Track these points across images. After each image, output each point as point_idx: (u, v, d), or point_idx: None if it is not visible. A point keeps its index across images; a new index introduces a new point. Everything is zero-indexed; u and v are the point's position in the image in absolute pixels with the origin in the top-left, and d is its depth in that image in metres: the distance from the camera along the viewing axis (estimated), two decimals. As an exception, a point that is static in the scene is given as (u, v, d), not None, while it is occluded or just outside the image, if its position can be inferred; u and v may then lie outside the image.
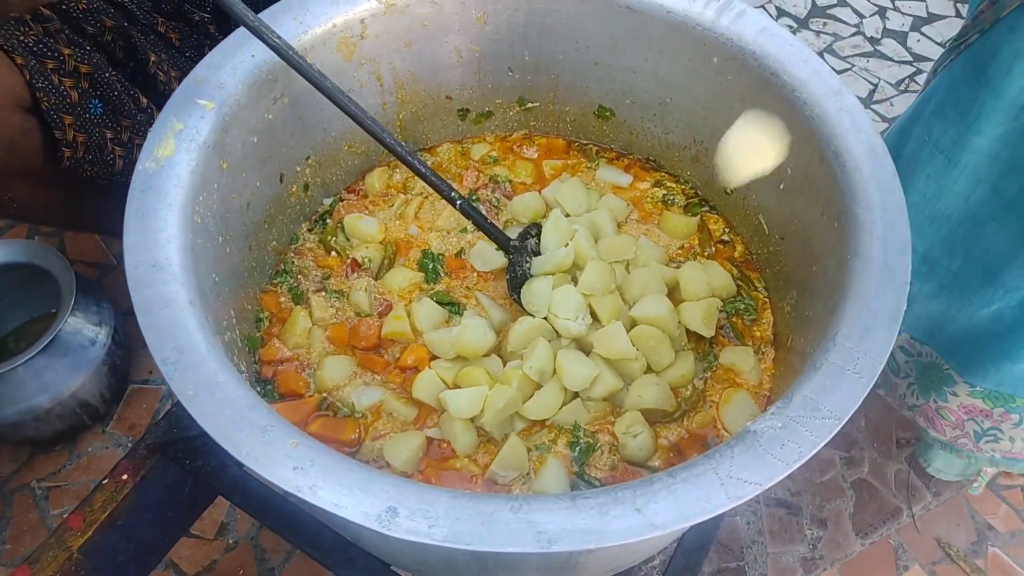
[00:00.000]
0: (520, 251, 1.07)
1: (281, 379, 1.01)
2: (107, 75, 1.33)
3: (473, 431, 0.95)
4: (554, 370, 0.95)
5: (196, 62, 0.93)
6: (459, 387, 0.97)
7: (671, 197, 1.18)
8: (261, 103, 0.97)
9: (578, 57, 1.15)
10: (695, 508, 0.65)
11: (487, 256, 1.10)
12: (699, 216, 1.16)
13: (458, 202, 1.02)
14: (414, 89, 1.17)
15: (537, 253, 1.06)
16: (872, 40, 2.45)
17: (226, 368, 0.72)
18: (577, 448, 0.94)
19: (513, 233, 1.10)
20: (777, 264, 1.05)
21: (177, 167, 0.85)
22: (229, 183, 0.94)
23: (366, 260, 1.10)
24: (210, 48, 0.95)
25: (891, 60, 2.41)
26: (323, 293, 1.07)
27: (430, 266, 1.10)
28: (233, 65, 0.94)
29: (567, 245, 1.03)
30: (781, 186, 1.01)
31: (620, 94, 1.17)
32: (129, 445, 1.59)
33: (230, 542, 1.50)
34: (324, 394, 0.99)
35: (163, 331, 0.72)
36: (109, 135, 1.35)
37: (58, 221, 1.63)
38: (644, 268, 1.03)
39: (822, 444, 0.68)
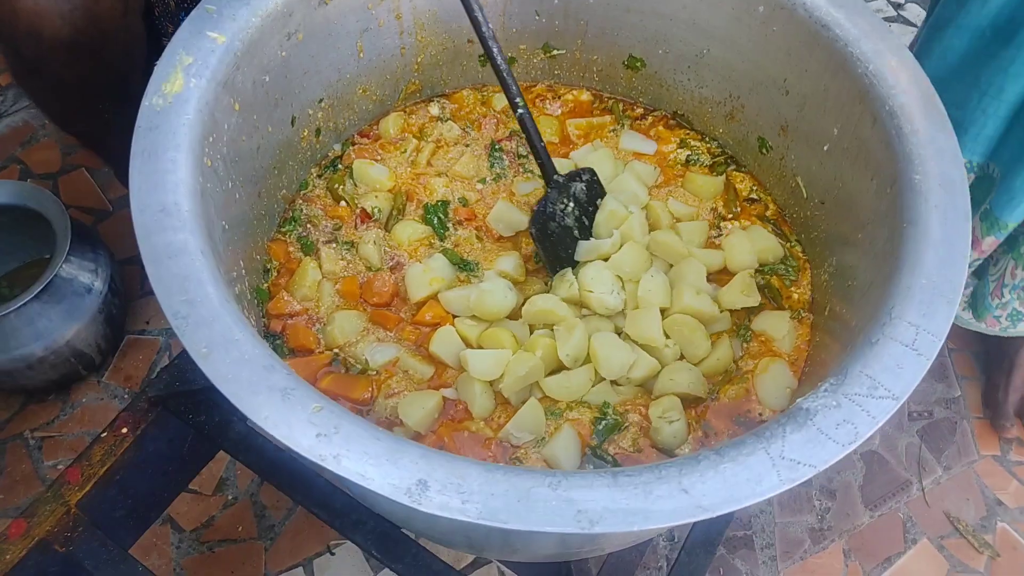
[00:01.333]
0: (561, 189, 0.99)
1: (291, 334, 0.96)
2: None
3: (492, 394, 0.91)
4: (587, 355, 0.91)
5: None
6: (482, 347, 0.92)
7: (696, 157, 1.12)
8: (275, 39, 0.90)
9: (610, 2, 1.08)
10: (745, 490, 0.61)
11: (509, 219, 1.04)
12: (724, 175, 1.10)
13: (519, 111, 0.95)
14: (434, 31, 1.10)
15: (580, 201, 1.00)
16: (895, 5, 2.37)
17: (241, 324, 0.67)
18: (603, 423, 0.90)
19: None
20: (815, 229, 1.00)
21: (186, 105, 0.78)
22: (240, 124, 0.87)
23: (375, 210, 1.04)
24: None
25: (915, 25, 2.33)
26: (333, 244, 1.02)
27: (435, 220, 1.04)
28: (247, -5, 0.87)
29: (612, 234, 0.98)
30: (825, 147, 0.95)
31: (653, 43, 1.10)
32: (125, 397, 1.55)
33: (229, 498, 1.46)
34: (336, 350, 0.95)
35: (173, 282, 0.67)
36: None
37: (105, 139, 1.53)
38: (686, 260, 0.97)
39: (880, 425, 0.64)
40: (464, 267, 1.01)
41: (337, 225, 1.04)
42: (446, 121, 1.14)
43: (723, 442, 0.65)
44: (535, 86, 1.20)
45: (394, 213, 1.05)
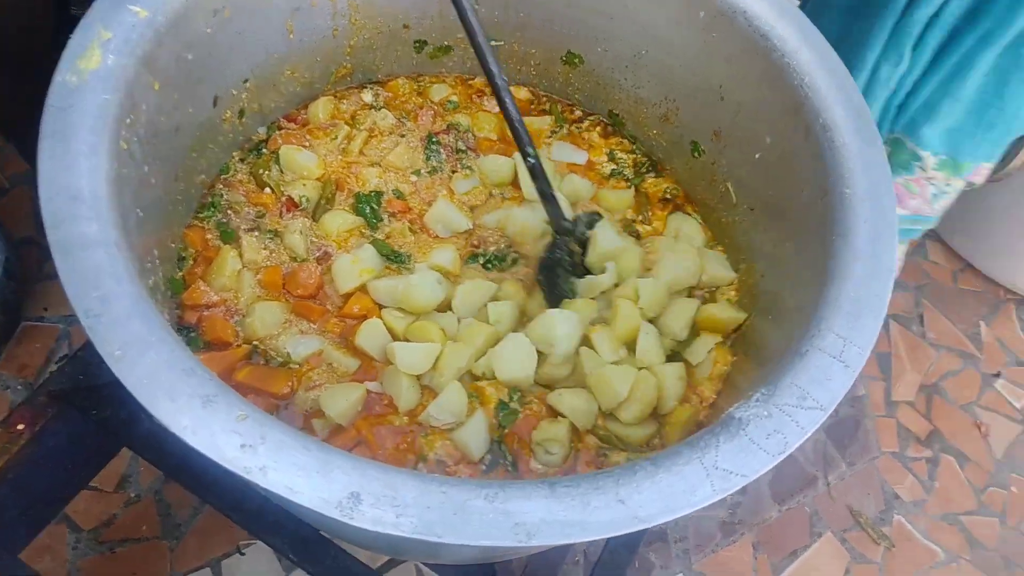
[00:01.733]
0: (570, 234, 0.98)
1: (207, 326, 0.91)
2: None
3: (418, 388, 0.89)
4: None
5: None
6: (409, 340, 0.90)
7: (619, 170, 1.12)
8: (200, 14, 0.84)
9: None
10: (680, 500, 0.61)
11: (448, 221, 1.02)
12: (633, 187, 1.10)
13: (530, 160, 0.92)
14: (369, 14, 1.06)
15: (582, 242, 0.99)
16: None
17: (158, 323, 0.62)
18: (504, 410, 0.89)
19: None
20: (743, 235, 1.01)
21: (103, 83, 0.72)
22: (159, 104, 0.82)
23: (303, 199, 1.00)
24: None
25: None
26: (256, 233, 0.97)
27: (367, 210, 1.01)
28: (169, -34, 0.81)
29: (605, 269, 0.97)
30: (757, 155, 0.97)
31: (592, 40, 1.09)
32: (19, 387, 1.44)
33: (131, 495, 1.39)
34: (255, 343, 0.90)
35: (85, 277, 0.62)
36: None
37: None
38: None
39: (809, 435, 0.66)
40: (395, 259, 0.98)
41: (260, 213, 0.99)
42: (380, 109, 1.10)
43: (660, 452, 0.65)
44: (473, 79, 1.17)
45: (322, 202, 1.01)
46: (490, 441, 0.88)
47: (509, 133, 0.92)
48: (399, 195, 1.04)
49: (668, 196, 1.11)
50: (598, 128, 1.17)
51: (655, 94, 1.09)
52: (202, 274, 0.93)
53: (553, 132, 1.15)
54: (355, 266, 0.94)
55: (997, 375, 1.89)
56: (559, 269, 0.98)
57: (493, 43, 1.12)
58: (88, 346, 1.04)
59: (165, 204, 0.88)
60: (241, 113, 1.00)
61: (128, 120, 0.74)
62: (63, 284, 0.61)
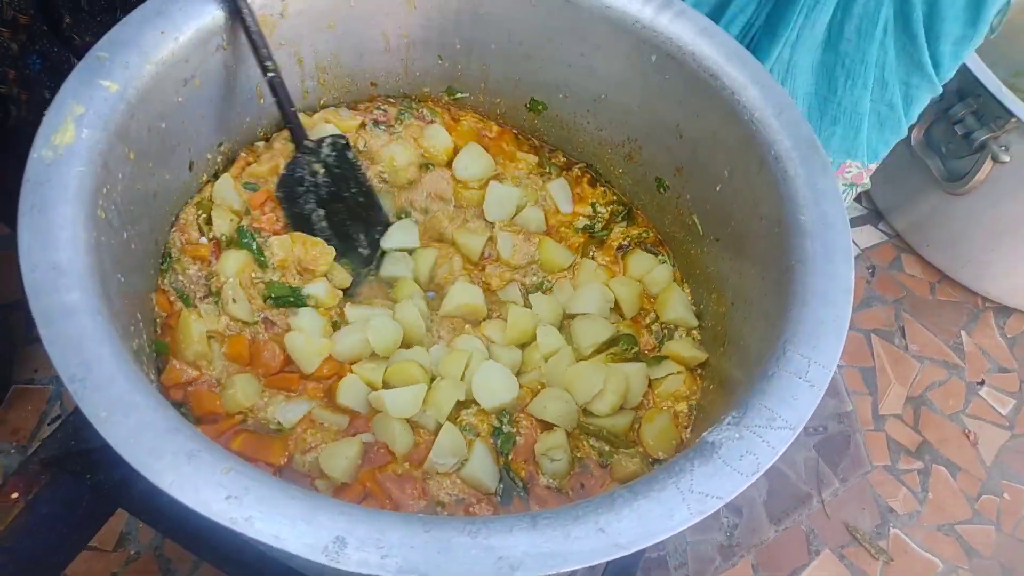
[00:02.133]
0: (310, 153, 1.02)
1: (194, 402, 0.89)
2: (43, 29, 1.18)
3: (410, 430, 0.90)
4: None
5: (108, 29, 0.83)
6: (391, 385, 0.92)
7: (592, 226, 1.15)
8: (170, 85, 0.88)
9: (511, 48, 1.10)
10: (659, 525, 0.63)
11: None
12: (584, 237, 1.14)
13: (270, 75, 0.96)
14: (337, 74, 1.10)
15: (332, 168, 1.03)
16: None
17: (141, 385, 0.64)
18: (500, 437, 0.92)
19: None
20: (712, 265, 1.04)
21: (78, 156, 0.75)
22: (134, 172, 0.84)
23: (223, 237, 0.98)
24: (124, 15, 0.85)
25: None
26: (209, 299, 0.95)
27: (249, 242, 0.98)
28: (140, 42, 0.84)
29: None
30: (718, 188, 1.00)
31: (553, 87, 1.13)
32: (12, 451, 1.45)
33: (132, 553, 1.39)
34: (243, 413, 0.91)
35: (68, 344, 0.64)
36: (47, 95, 1.20)
37: None
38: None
39: (779, 454, 0.68)
40: (296, 299, 0.97)
41: (209, 274, 0.97)
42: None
43: (637, 480, 0.67)
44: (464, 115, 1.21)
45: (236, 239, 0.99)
46: (497, 470, 0.90)
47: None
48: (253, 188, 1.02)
49: (626, 243, 1.14)
50: (586, 178, 1.20)
51: (617, 135, 1.13)
52: (172, 350, 0.91)
53: (544, 173, 1.18)
54: (309, 346, 0.93)
55: (981, 383, 1.92)
56: (299, 188, 1.02)
57: (459, 95, 1.17)
58: (78, 411, 1.05)
59: (146, 267, 0.91)
60: (216, 176, 1.03)
61: (105, 190, 0.77)
62: (48, 351, 0.63)
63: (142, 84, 0.83)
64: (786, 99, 0.92)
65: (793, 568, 1.57)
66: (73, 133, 0.76)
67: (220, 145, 1.01)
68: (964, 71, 1.79)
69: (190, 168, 0.97)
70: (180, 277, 0.96)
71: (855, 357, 1.90)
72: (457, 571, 0.58)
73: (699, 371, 1.01)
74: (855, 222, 2.19)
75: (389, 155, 1.09)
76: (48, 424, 1.49)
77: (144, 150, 0.86)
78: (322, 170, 1.02)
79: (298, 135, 1.01)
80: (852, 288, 0.79)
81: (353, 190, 1.05)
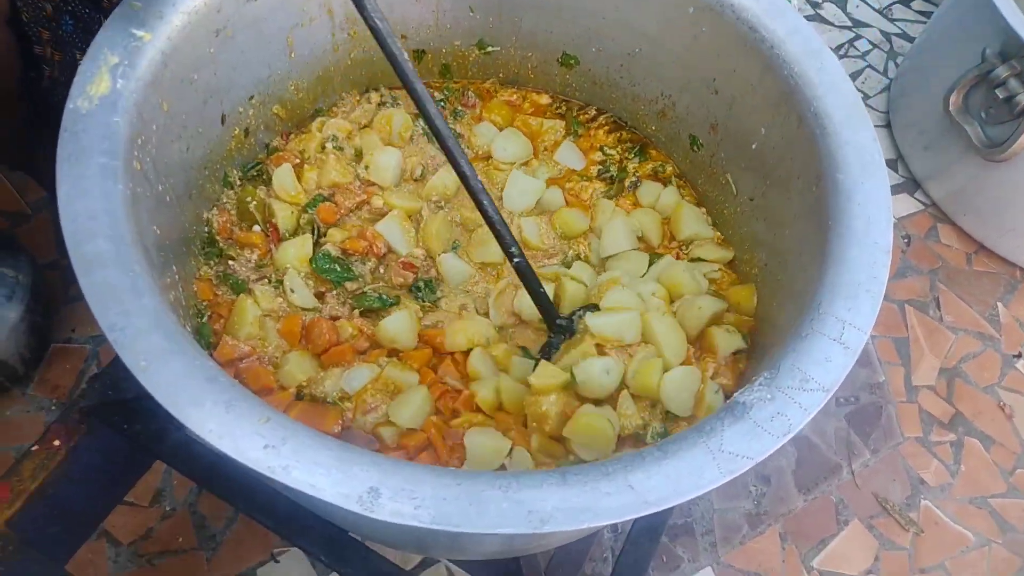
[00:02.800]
0: (564, 332, 0.94)
1: (247, 377, 0.90)
2: None
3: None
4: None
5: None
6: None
7: (606, 169, 1.14)
8: (203, 35, 0.88)
9: (543, 1, 1.09)
10: (688, 483, 0.63)
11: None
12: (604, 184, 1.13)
13: (516, 260, 0.88)
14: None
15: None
16: (814, 4, 2.45)
17: (180, 335, 0.65)
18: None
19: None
20: (745, 225, 1.03)
21: (113, 106, 0.75)
22: (168, 124, 0.85)
23: (286, 232, 0.99)
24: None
25: (832, 24, 2.42)
26: (264, 282, 0.96)
27: (330, 267, 0.97)
28: (173, -8, 0.84)
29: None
30: (754, 146, 0.98)
31: (586, 41, 1.11)
32: (53, 408, 1.48)
33: (167, 509, 1.42)
34: (299, 387, 0.91)
35: (107, 293, 0.65)
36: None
37: (10, 156, 1.44)
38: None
39: (811, 416, 0.67)
40: (382, 304, 0.97)
41: (261, 262, 0.98)
42: (396, 105, 1.12)
43: (667, 439, 0.66)
44: (484, 82, 1.20)
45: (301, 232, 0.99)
46: None
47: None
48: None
49: (636, 178, 1.13)
50: (605, 127, 1.19)
51: (651, 91, 1.11)
52: (225, 327, 0.93)
53: (563, 136, 1.17)
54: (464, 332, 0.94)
55: (1018, 356, 1.88)
56: None
57: (490, 49, 1.15)
58: (115, 362, 1.07)
59: (181, 221, 0.91)
60: (247, 132, 1.03)
61: (140, 140, 0.77)
62: (87, 301, 0.64)
63: (175, 34, 0.83)
64: (828, 54, 0.90)
65: (821, 538, 1.56)
66: (108, 83, 0.77)
67: (251, 98, 1.01)
68: (1008, 31, 1.72)
69: (222, 121, 0.97)
70: (232, 263, 0.97)
71: (888, 328, 1.87)
72: (488, 523, 0.59)
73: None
74: (891, 190, 2.14)
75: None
76: (86, 382, 1.52)
77: (177, 101, 0.86)
78: None
79: (551, 316, 0.94)
80: (890, 250, 0.77)
81: None
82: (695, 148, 1.09)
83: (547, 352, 0.93)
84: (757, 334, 0.94)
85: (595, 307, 0.95)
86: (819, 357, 0.71)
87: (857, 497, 1.60)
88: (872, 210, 0.80)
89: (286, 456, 0.59)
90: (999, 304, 1.96)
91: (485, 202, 0.84)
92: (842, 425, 1.68)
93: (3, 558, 0.90)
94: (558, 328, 0.93)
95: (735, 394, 0.70)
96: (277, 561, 1.39)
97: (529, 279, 0.89)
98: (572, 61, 1.15)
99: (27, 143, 1.23)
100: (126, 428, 1.00)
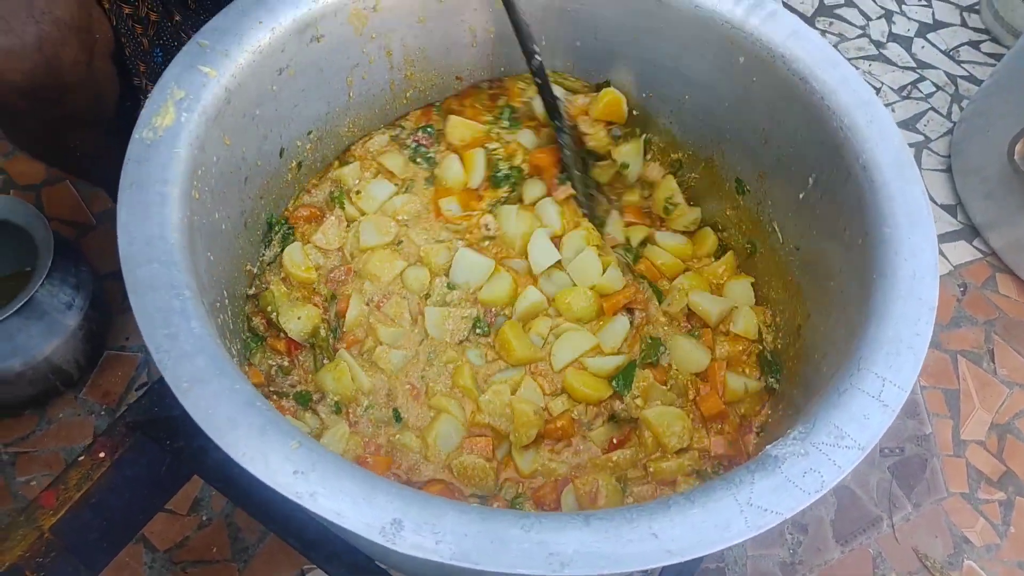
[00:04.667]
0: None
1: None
2: (168, 24, 1.26)
3: None
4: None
5: (205, 25, 0.88)
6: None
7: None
8: (266, 74, 0.91)
9: (596, 45, 1.10)
10: (713, 536, 0.62)
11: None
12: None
13: (536, 59, 1.04)
14: (424, 68, 1.11)
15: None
16: (877, 44, 2.42)
17: (222, 359, 0.68)
18: None
19: None
20: (789, 274, 1.02)
21: (176, 138, 0.79)
22: (228, 156, 0.89)
23: (306, 340, 0.97)
24: (220, 10, 0.89)
25: (895, 65, 2.38)
26: (301, 408, 0.95)
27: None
28: (239, 31, 0.88)
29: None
30: (801, 196, 0.98)
31: (638, 87, 1.12)
32: (102, 413, 1.54)
33: (204, 519, 1.46)
34: None
35: (156, 316, 0.68)
36: None
37: (109, 177, 1.53)
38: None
39: (845, 474, 0.66)
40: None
41: (287, 369, 0.97)
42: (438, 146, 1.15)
43: (695, 488, 0.66)
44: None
45: (325, 342, 0.97)
46: None
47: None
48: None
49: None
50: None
51: (700, 138, 1.11)
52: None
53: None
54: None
55: (1077, 415, 1.81)
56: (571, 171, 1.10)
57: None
58: (163, 379, 1.11)
59: (235, 248, 0.95)
60: (300, 165, 1.06)
61: (200, 172, 0.81)
62: (137, 322, 0.67)
63: (239, 71, 0.87)
64: (879, 106, 0.89)
65: (858, 591, 1.52)
66: (173, 116, 0.81)
67: (310, 133, 1.05)
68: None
69: (280, 154, 1.01)
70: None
71: (939, 379, 1.82)
72: (509, 562, 0.59)
73: (768, 394, 0.99)
74: (948, 237, 2.09)
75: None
76: (135, 390, 1.57)
77: (239, 135, 0.90)
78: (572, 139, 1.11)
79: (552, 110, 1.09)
80: (935, 307, 0.76)
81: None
82: (740, 193, 1.09)
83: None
84: (794, 387, 0.93)
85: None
86: (856, 414, 0.70)
87: (896, 552, 1.56)
88: (918, 265, 0.79)
89: (314, 483, 0.61)
90: (1059, 360, 1.90)
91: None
92: (885, 476, 1.63)
93: (45, 564, 0.93)
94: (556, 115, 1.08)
95: (767, 447, 0.69)
96: (307, 578, 1.42)
97: (546, 82, 1.07)
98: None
99: (115, 162, 1.31)
100: (169, 444, 1.03)
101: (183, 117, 0.81)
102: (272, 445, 0.63)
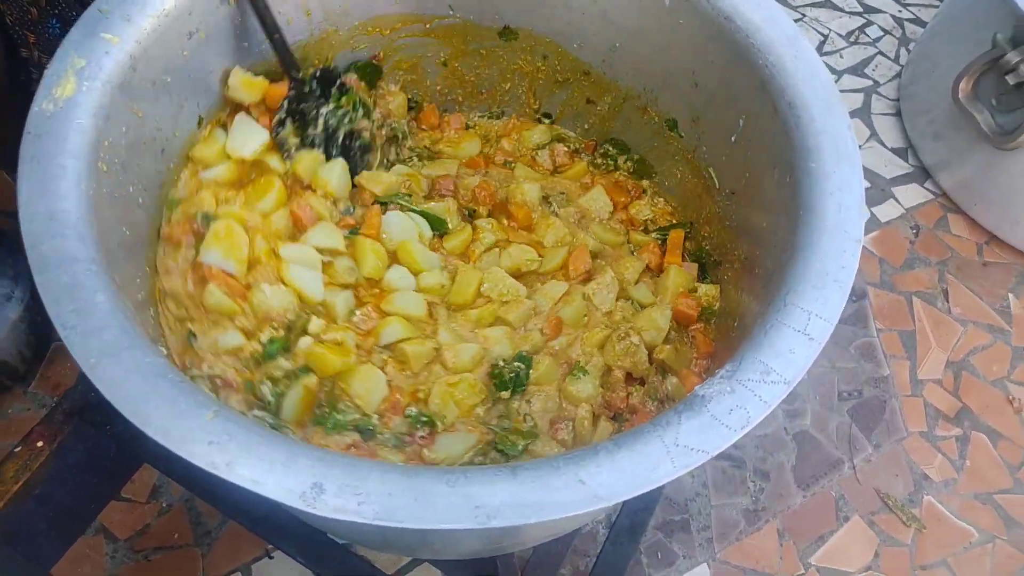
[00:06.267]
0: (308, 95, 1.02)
1: None
2: None
3: None
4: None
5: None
6: None
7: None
8: (174, 38, 0.88)
9: (524, -3, 1.08)
10: (641, 478, 0.62)
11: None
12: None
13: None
14: (346, 25, 1.08)
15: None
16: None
17: (132, 332, 0.65)
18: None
19: None
20: (727, 219, 1.01)
21: (77, 108, 0.76)
22: (139, 126, 0.85)
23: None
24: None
25: (842, 11, 2.38)
26: None
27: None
28: (142, -5, 0.84)
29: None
30: (732, 138, 0.97)
31: (568, 37, 1.10)
32: (53, 405, 1.51)
33: (163, 505, 1.44)
34: None
35: (62, 292, 0.65)
36: None
37: (9, 156, 1.47)
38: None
39: (771, 409, 0.66)
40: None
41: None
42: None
43: (622, 433, 0.65)
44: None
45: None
46: None
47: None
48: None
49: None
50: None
51: (634, 85, 1.10)
52: None
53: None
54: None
55: (1031, 348, 1.84)
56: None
57: (472, 47, 1.15)
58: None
59: (155, 221, 0.91)
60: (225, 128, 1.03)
61: (107, 143, 0.78)
62: (42, 299, 0.65)
63: (144, 37, 0.84)
64: (804, 43, 0.88)
65: (820, 534, 1.54)
66: (74, 86, 0.77)
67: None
68: (1020, 16, 1.68)
69: (199, 124, 0.98)
70: None
71: (895, 320, 1.84)
72: (434, 519, 0.58)
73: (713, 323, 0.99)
74: (900, 180, 2.10)
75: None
76: (82, 379, 1.54)
77: (149, 104, 0.86)
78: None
79: (289, 65, 1.00)
80: (860, 239, 0.75)
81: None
82: (675, 133, 1.08)
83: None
84: (731, 332, 0.92)
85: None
86: (782, 349, 0.69)
87: (858, 493, 1.58)
88: (844, 198, 0.79)
89: (231, 452, 0.59)
90: (1010, 295, 1.92)
91: None
92: (845, 420, 1.65)
93: (-17, 557, 0.91)
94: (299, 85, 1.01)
95: (695, 387, 0.69)
96: (271, 557, 1.40)
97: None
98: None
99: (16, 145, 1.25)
100: (108, 429, 1.01)
101: (84, 86, 0.77)
102: (186, 415, 0.61)
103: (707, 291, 1.02)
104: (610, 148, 1.18)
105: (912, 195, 2.08)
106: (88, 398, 1.02)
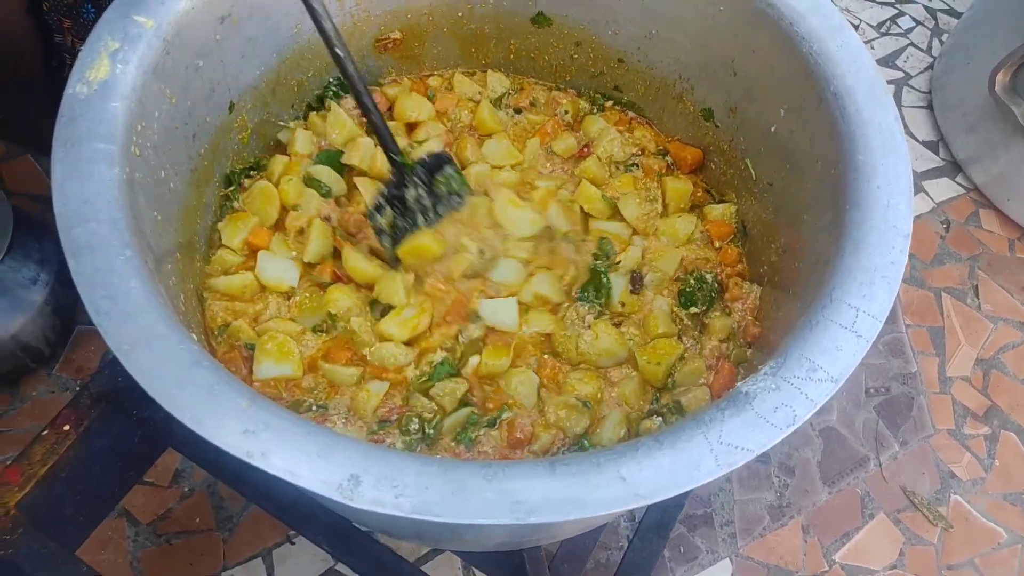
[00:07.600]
0: (407, 184, 0.93)
1: None
2: None
3: None
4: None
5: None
6: None
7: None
8: (207, 22, 0.87)
9: (559, -17, 1.06)
10: (683, 476, 0.60)
11: None
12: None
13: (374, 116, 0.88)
14: (380, 5, 1.07)
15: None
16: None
17: (167, 318, 0.65)
18: None
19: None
20: (764, 211, 0.99)
21: (112, 92, 0.75)
22: (172, 111, 0.84)
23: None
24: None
25: (874, 1, 2.33)
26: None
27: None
28: (175, -23, 0.83)
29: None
30: (772, 128, 0.95)
31: (602, 24, 1.08)
32: (77, 388, 1.51)
33: (185, 490, 1.44)
34: None
35: (95, 277, 0.64)
36: None
37: (39, 141, 1.47)
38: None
39: (817, 408, 0.64)
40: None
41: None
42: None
43: (664, 430, 0.64)
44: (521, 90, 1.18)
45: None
46: None
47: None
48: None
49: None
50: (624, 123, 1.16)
51: (669, 74, 1.07)
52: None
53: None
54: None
55: (1062, 347, 1.80)
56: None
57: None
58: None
59: (189, 206, 0.91)
60: (257, 120, 1.02)
61: (139, 127, 0.77)
62: (76, 284, 0.64)
63: (177, 20, 0.83)
64: (849, 31, 0.86)
65: (845, 531, 1.52)
66: (108, 68, 0.76)
67: (261, 85, 1.00)
68: (1061, 7, 1.64)
69: (230, 109, 0.97)
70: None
71: (923, 316, 1.81)
72: (471, 514, 0.57)
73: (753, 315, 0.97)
74: (930, 174, 2.06)
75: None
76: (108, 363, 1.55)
77: (181, 88, 0.85)
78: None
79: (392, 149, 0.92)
80: (909, 235, 0.73)
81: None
82: (712, 123, 1.05)
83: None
84: (770, 326, 0.90)
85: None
86: (829, 346, 0.68)
87: (884, 490, 1.56)
88: (892, 193, 0.76)
89: (266, 441, 0.58)
90: (1043, 293, 1.89)
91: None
92: (871, 416, 1.63)
93: (12, 540, 0.91)
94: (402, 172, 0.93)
95: (739, 383, 0.67)
96: (293, 543, 1.41)
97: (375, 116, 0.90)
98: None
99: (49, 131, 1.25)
100: (135, 414, 1.01)
101: (118, 69, 0.76)
102: (221, 405, 0.60)
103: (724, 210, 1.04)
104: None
105: (943, 189, 2.04)
106: (115, 383, 1.02)
